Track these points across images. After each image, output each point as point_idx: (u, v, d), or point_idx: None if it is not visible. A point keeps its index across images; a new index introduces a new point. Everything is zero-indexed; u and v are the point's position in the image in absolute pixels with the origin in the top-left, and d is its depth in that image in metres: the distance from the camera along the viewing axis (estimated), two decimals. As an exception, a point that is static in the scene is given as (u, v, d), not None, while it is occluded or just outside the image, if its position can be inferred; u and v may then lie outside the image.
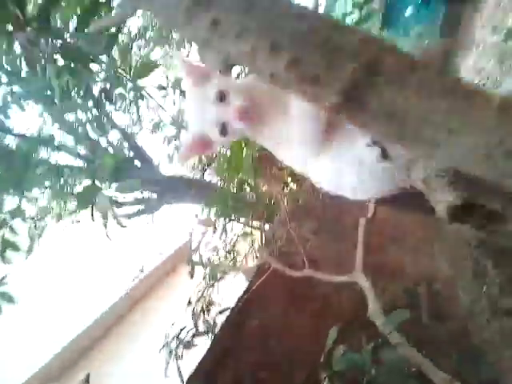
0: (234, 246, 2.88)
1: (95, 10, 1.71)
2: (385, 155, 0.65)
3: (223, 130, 0.73)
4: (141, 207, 3.28)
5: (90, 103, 2.36)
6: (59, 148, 2.87)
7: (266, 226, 2.84)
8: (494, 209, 0.60)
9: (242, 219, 3.01)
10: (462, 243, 2.39)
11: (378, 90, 0.40)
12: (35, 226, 3.26)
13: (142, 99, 2.67)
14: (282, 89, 0.44)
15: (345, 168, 0.76)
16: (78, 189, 2.83)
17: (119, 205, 2.97)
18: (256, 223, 2.97)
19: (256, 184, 2.49)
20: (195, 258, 2.68)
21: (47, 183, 2.80)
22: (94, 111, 2.49)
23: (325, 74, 0.41)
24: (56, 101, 2.01)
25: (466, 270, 2.23)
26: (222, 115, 0.73)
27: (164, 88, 3.18)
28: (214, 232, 2.70)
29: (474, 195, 0.56)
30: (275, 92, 0.76)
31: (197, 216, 3.08)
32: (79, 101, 2.24)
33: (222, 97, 0.72)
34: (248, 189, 2.63)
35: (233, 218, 2.91)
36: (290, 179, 2.55)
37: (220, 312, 2.31)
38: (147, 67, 2.21)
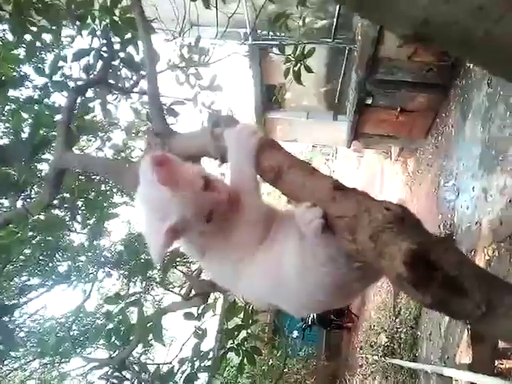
0: None
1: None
2: (325, 220, 0.62)
3: (209, 215, 0.73)
4: None
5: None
6: None
7: None
8: (453, 276, 0.55)
9: None
10: None
11: None
12: None
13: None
14: None
15: (285, 253, 0.72)
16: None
17: None
18: None
19: None
20: None
21: None
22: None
23: None
24: None
25: None
26: (209, 200, 0.73)
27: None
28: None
29: (427, 243, 0.52)
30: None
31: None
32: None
33: (207, 184, 0.74)
34: None
35: None
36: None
37: None
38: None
